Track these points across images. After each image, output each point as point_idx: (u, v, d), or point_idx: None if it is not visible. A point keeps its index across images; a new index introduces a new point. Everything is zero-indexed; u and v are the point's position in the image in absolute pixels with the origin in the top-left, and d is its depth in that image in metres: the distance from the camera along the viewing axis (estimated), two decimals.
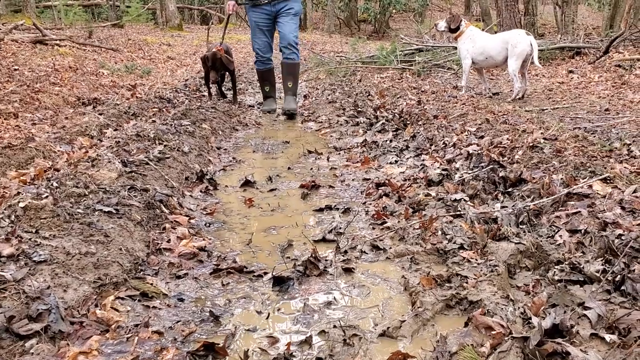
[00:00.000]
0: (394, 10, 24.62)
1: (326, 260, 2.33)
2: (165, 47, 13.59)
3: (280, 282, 2.13)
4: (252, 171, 3.84)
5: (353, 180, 3.64)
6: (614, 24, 12.19)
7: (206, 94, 6.92)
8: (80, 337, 1.70)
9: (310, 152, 4.47)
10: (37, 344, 1.58)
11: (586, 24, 16.64)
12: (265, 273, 2.23)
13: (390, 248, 2.46)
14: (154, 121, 4.75)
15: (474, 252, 2.25)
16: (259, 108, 6.88)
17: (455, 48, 7.91)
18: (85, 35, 12.14)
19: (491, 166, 3.22)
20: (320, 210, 3.05)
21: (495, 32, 7.33)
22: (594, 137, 3.94)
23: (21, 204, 2.33)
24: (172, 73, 9.46)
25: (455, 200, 2.84)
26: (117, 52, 10.88)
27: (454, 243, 2.35)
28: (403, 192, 3.16)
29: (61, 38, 10.32)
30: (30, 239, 2.08)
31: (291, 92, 6.53)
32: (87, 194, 2.64)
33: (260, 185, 3.54)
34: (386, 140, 4.54)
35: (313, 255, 2.28)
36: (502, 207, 2.68)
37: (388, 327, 1.78)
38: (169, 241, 2.49)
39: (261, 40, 6.37)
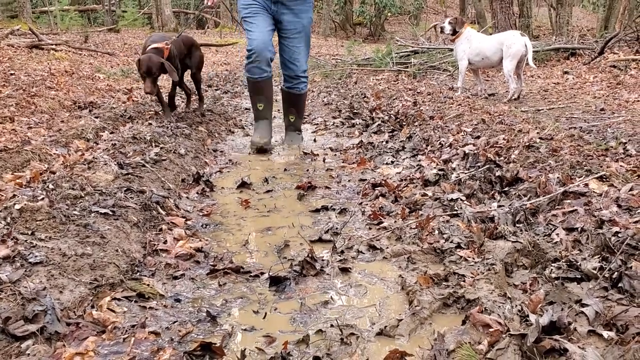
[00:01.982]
0: (389, 14, 24.67)
1: (323, 260, 2.32)
2: None
3: (277, 282, 2.12)
4: (248, 173, 3.84)
5: (349, 181, 3.64)
6: (609, 26, 12.26)
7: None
8: (77, 338, 1.69)
9: (306, 153, 4.47)
10: (33, 345, 1.57)
11: (581, 25, 16.72)
12: (262, 273, 2.22)
13: (387, 248, 2.46)
14: (150, 124, 4.75)
15: (471, 251, 2.25)
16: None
17: (451, 50, 7.95)
18: (81, 40, 12.15)
19: (487, 166, 3.22)
20: (317, 210, 3.05)
21: (491, 34, 7.36)
22: (590, 136, 3.95)
23: (17, 206, 2.32)
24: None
25: (452, 199, 2.84)
26: (113, 57, 10.88)
27: (451, 242, 2.35)
28: (399, 192, 3.16)
29: (57, 42, 10.32)
30: (26, 241, 2.07)
31: (294, 127, 4.94)
32: (83, 195, 2.63)
33: (256, 187, 3.54)
34: (382, 141, 4.55)
35: (310, 255, 2.28)
36: (499, 206, 2.68)
37: (385, 326, 1.77)
38: (165, 242, 2.48)
39: (257, 33, 4.42)
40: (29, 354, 1.54)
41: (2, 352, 1.52)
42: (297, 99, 4.85)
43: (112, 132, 4.50)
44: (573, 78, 7.51)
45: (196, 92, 5.91)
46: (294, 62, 4.68)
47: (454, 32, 6.48)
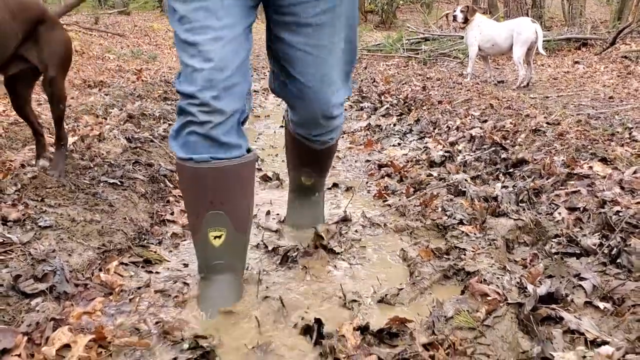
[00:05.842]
0: (401, 1, 24.52)
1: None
2: (171, 33, 13.58)
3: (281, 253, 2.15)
4: (254, 149, 3.85)
5: (356, 162, 3.66)
6: (622, 17, 12.13)
7: None
8: (85, 298, 1.73)
9: None
10: (42, 302, 1.61)
11: (594, 17, 16.55)
12: (266, 245, 2.26)
13: (391, 223, 2.48)
14: (159, 102, 4.78)
15: (473, 227, 2.27)
16: (263, 93, 6.70)
17: (462, 37, 7.92)
18: (91, 21, 12.16)
19: (493, 148, 3.24)
20: None
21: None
22: (597, 122, 3.95)
23: (28, 175, 2.37)
24: (177, 58, 9.47)
25: (456, 180, 2.86)
26: (123, 38, 10.91)
27: (454, 219, 2.37)
28: (405, 172, 3.19)
29: (68, 23, 10.34)
30: (35, 206, 2.11)
31: (309, 191, 2.39)
32: (92, 166, 2.68)
33: (263, 164, 3.56)
34: (390, 124, 4.56)
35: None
36: (503, 186, 2.70)
37: (386, 294, 1.80)
38: (172, 213, 2.52)
39: (206, 38, 1.48)
40: (38, 310, 1.58)
41: (13, 308, 1.56)
42: (320, 154, 2.27)
43: (121, 109, 4.53)
44: (583, 67, 7.47)
45: (55, 127, 2.69)
46: (317, 90, 1.86)
47: (466, 20, 6.47)
